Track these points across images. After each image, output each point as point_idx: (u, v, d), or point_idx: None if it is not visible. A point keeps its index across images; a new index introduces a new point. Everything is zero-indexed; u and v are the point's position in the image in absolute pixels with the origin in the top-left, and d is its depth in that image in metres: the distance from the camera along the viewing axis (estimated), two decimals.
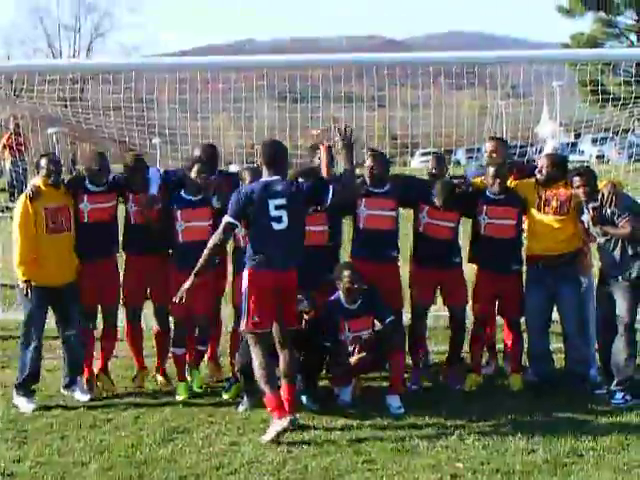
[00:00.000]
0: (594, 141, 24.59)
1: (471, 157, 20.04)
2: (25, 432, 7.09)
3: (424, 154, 17.18)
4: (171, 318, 8.24)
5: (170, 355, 8.31)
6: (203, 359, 8.45)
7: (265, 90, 11.63)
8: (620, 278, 7.57)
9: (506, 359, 8.53)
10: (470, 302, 8.29)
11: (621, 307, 7.56)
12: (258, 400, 7.33)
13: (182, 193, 8.01)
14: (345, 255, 8.38)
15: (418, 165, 17.39)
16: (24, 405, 7.69)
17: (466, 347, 8.42)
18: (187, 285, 7.00)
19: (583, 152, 23.63)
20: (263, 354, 6.99)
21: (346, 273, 7.56)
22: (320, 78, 11.54)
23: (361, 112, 11.51)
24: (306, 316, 7.59)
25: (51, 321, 8.07)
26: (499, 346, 8.73)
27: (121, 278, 8.26)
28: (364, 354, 7.58)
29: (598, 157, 21.40)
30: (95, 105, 11.84)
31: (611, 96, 12.34)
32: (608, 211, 7.52)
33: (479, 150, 11.84)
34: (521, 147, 12.08)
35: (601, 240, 7.64)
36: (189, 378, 8.15)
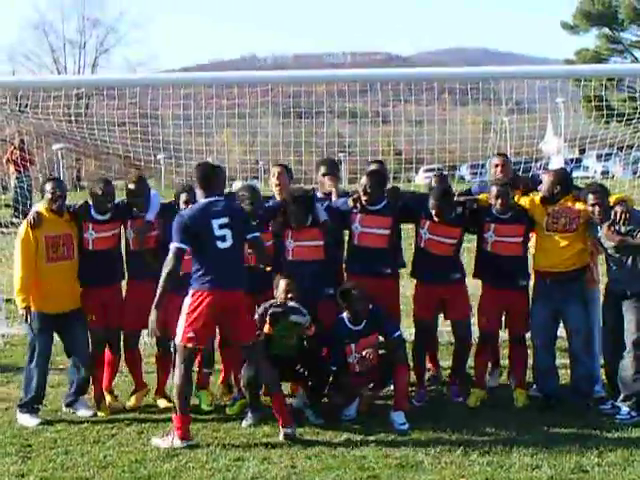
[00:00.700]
0: (599, 157, 24.60)
1: (475, 173, 20.09)
2: (29, 447, 7.07)
3: (428, 170, 17.23)
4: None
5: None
6: (209, 381, 8.35)
7: (269, 106, 11.69)
8: (629, 293, 7.57)
9: (511, 374, 8.51)
10: (476, 317, 8.27)
11: (629, 323, 7.55)
12: (263, 416, 7.33)
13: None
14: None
15: (422, 181, 17.42)
16: (28, 420, 7.67)
17: (471, 362, 8.40)
18: (152, 318, 6.96)
19: (587, 168, 23.64)
20: (186, 371, 7.06)
21: (353, 295, 7.56)
22: (324, 94, 11.60)
23: (365, 128, 11.54)
24: (308, 332, 7.59)
25: (57, 339, 8.03)
26: (504, 362, 8.71)
27: None
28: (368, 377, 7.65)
29: (603, 173, 21.38)
30: (100, 121, 11.90)
31: (615, 112, 12.37)
32: (623, 229, 7.54)
33: (483, 166, 11.87)
34: (525, 162, 12.10)
35: (615, 255, 7.64)
36: (196, 401, 8.08)
